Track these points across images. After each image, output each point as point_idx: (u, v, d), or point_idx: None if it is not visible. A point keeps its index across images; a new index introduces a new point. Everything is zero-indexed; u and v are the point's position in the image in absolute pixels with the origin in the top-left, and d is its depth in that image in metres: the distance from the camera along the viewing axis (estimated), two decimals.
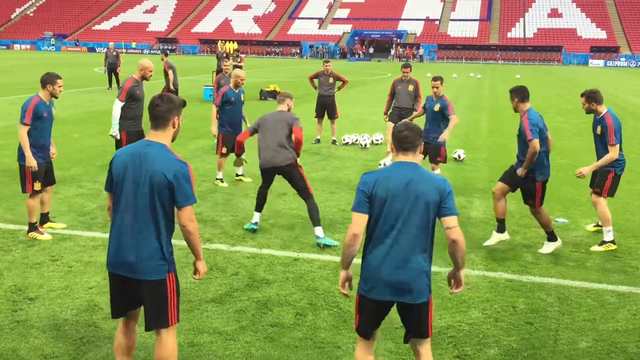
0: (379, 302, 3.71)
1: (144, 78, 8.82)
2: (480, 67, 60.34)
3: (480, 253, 6.99)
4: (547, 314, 5.51)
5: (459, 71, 48.11)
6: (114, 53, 25.70)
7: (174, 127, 3.86)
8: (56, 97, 7.02)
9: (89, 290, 5.71)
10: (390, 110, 12.37)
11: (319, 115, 14.31)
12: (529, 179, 7.13)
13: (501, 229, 7.26)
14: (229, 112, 9.86)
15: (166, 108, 3.80)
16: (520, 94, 7.09)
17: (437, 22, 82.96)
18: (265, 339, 4.89)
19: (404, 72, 12.10)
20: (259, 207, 7.61)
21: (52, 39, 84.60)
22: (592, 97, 7.42)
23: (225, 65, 13.95)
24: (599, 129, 7.34)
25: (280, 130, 7.31)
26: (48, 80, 6.87)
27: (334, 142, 14.24)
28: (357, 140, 14.16)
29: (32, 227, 7.07)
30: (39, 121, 6.89)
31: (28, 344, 4.67)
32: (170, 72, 17.65)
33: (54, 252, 6.68)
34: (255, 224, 7.56)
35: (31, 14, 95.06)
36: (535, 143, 6.81)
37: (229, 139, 9.73)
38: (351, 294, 4.01)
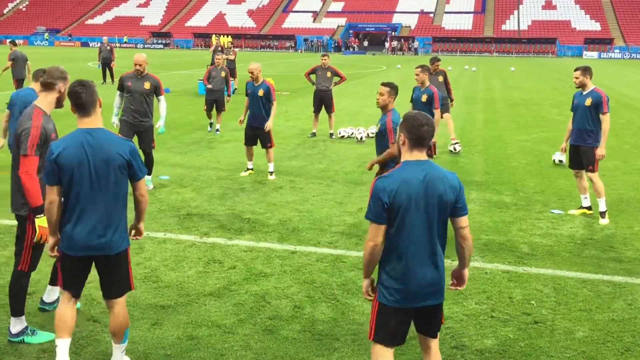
0: (410, 310, 3.59)
1: (136, 71, 8.93)
2: (474, 59, 60.38)
3: (477, 245, 7.02)
4: (544, 304, 5.55)
5: (454, 64, 48.11)
6: (108, 47, 25.60)
7: (100, 106, 4.02)
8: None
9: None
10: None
11: (316, 110, 14.30)
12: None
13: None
14: (249, 104, 10.14)
15: (89, 92, 3.93)
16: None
17: (431, 15, 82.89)
18: (263, 331, 4.91)
19: (435, 65, 12.43)
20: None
21: (46, 34, 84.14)
22: (587, 71, 8.03)
23: (217, 59, 14.08)
24: (589, 100, 7.92)
25: None
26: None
27: (331, 135, 14.25)
28: (352, 133, 14.18)
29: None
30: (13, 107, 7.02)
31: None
32: (10, 63, 17.39)
33: None
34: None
35: (24, 9, 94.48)
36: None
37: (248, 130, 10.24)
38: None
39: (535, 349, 4.75)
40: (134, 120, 8.97)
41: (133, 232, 4.32)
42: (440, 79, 12.62)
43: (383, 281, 3.59)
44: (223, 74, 14.23)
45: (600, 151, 7.90)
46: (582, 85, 8.04)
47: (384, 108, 6.72)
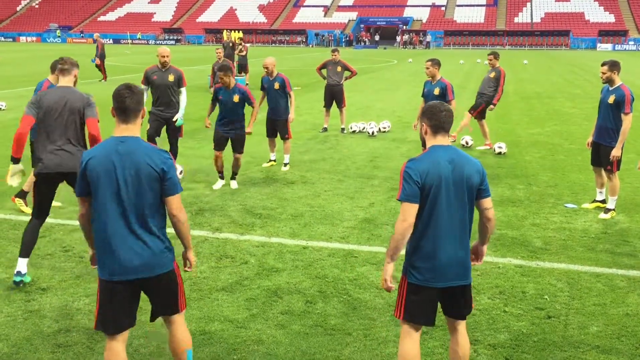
0: (439, 290, 3.68)
1: (162, 64, 9.19)
2: (487, 53, 59.90)
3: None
4: (557, 299, 5.51)
5: (466, 57, 47.82)
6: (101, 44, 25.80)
7: (142, 117, 3.72)
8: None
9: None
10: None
11: (328, 105, 14.27)
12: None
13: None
14: (267, 98, 10.33)
15: (135, 99, 3.62)
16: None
17: (443, 8, 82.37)
18: (275, 326, 4.92)
19: (489, 60, 12.29)
20: None
21: (58, 31, 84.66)
22: (615, 66, 7.68)
23: (217, 52, 14.21)
24: (612, 98, 7.63)
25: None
26: (54, 65, 7.18)
27: (342, 130, 14.23)
28: (364, 128, 14.14)
29: (22, 194, 7.86)
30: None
31: (42, 334, 4.73)
32: None
33: (65, 243, 6.73)
34: None
35: (36, 6, 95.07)
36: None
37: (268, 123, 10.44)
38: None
39: (549, 344, 4.72)
40: (161, 112, 9.24)
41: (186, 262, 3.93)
42: (493, 75, 12.17)
43: (413, 262, 3.69)
44: None
45: (614, 151, 7.60)
46: (609, 81, 7.69)
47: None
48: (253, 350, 4.56)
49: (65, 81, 5.69)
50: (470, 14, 79.93)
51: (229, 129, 8.93)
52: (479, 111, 12.29)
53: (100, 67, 25.57)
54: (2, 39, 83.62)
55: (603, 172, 8.03)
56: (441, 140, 3.69)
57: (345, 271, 6.05)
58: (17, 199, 7.87)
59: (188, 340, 3.86)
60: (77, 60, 5.90)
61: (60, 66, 5.70)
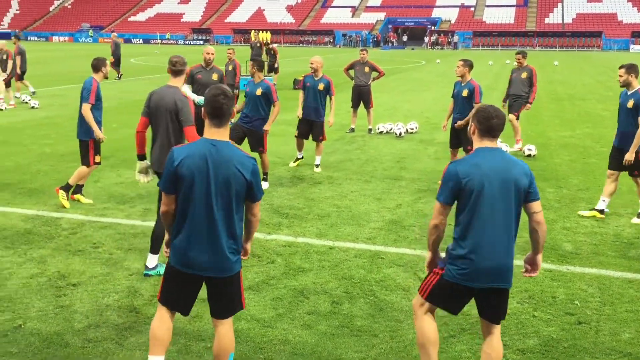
0: (474, 289, 3.70)
1: (206, 62, 9.71)
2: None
3: (518, 242, 6.87)
4: (588, 304, 5.41)
5: (495, 58, 47.30)
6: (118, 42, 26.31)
7: (232, 117, 3.79)
8: (106, 78, 7.97)
9: (130, 277, 5.83)
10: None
11: (355, 105, 14.25)
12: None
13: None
14: (306, 97, 10.24)
15: (230, 104, 3.65)
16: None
17: (472, 9, 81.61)
18: (302, 326, 4.92)
19: (517, 60, 12.08)
20: None
21: (90, 31, 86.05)
22: (632, 69, 7.52)
23: (229, 52, 14.24)
24: (631, 102, 7.43)
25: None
26: (102, 64, 7.72)
27: (369, 131, 14.19)
28: (391, 129, 14.08)
29: (79, 189, 8.20)
30: (98, 101, 7.79)
31: (72, 329, 4.80)
32: (18, 57, 17.94)
33: (95, 239, 6.83)
34: None
35: (69, 6, 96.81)
36: None
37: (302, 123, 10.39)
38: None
39: (579, 350, 4.64)
40: None
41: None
42: (524, 75, 11.96)
43: (452, 259, 3.72)
44: (231, 67, 14.41)
45: (627, 155, 7.42)
46: (627, 85, 7.52)
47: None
48: (279, 349, 4.57)
49: (175, 81, 5.82)
50: (500, 15, 79.02)
51: (247, 122, 8.96)
52: (519, 113, 12.18)
53: (112, 65, 26.11)
54: (36, 38, 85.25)
55: (618, 179, 7.80)
56: (487, 143, 3.70)
57: (371, 272, 6.03)
58: (61, 191, 7.99)
59: (232, 344, 3.93)
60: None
61: (173, 67, 5.80)
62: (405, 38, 77.97)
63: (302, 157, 10.65)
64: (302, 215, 7.83)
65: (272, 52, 23.48)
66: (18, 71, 18.00)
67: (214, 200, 3.61)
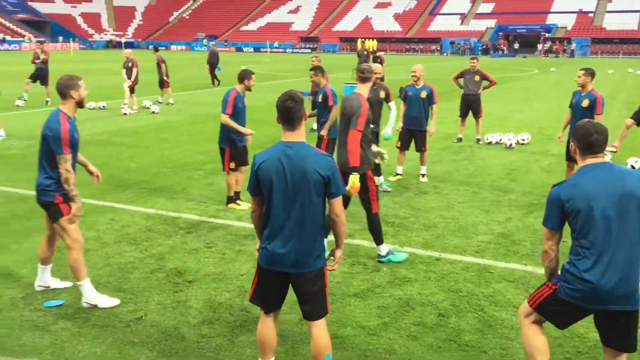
0: (588, 310, 3.56)
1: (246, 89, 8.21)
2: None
3: None
4: None
5: (616, 67, 44.57)
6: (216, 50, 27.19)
7: (305, 120, 3.91)
8: (250, 90, 8.18)
9: (240, 277, 6.06)
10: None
11: (463, 115, 13.93)
12: None
13: None
14: (408, 106, 10.13)
15: (299, 108, 3.82)
16: None
17: (591, 15, 77.44)
18: (407, 337, 4.89)
19: None
20: None
21: (205, 40, 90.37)
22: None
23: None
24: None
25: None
26: (245, 76, 8.07)
27: (478, 141, 13.85)
28: (501, 139, 13.66)
29: (230, 200, 8.46)
30: (235, 110, 8.06)
31: (188, 323, 5.06)
32: (163, 65, 20.31)
33: (208, 239, 7.16)
34: None
35: (187, 17, 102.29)
36: None
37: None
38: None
39: None
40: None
41: (331, 258, 4.15)
42: None
43: (567, 278, 3.59)
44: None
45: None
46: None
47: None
48: (385, 358, 4.56)
49: (361, 87, 6.40)
50: (622, 20, 74.32)
51: (319, 126, 8.93)
52: None
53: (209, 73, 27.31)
54: None
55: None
56: (591, 160, 3.56)
57: (480, 286, 5.88)
58: (230, 205, 8.40)
59: (328, 345, 3.97)
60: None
61: (362, 74, 6.44)
62: (516, 45, 75.33)
63: (401, 174, 10.32)
64: (408, 225, 7.78)
65: (379, 61, 23.54)
66: (165, 78, 20.35)
67: (292, 198, 3.76)
